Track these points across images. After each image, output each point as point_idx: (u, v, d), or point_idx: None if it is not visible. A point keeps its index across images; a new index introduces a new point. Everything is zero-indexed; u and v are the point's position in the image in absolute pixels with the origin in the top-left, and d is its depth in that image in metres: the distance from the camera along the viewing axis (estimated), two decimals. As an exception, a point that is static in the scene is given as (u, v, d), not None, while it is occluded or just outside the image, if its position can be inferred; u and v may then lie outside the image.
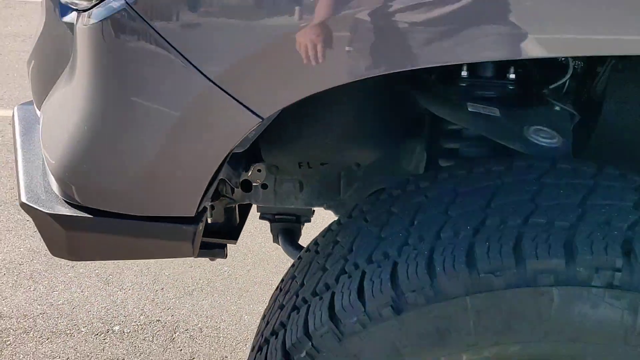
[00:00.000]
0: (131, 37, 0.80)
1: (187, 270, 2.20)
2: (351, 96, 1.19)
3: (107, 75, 0.83)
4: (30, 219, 1.02)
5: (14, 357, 1.82)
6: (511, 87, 1.15)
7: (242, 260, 2.26)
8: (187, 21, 0.79)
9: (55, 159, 0.93)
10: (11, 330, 1.91)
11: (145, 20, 0.76)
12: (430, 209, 0.86)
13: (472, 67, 1.14)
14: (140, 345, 1.87)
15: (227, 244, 1.43)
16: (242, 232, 1.42)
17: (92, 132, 0.86)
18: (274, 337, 0.93)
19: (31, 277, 2.14)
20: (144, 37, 0.77)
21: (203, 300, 2.06)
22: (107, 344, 1.87)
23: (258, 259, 2.27)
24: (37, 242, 2.23)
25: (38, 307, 2.01)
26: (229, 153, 0.82)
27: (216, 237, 1.40)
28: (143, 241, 0.92)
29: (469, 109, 1.09)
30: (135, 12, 0.77)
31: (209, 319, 1.97)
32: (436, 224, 0.82)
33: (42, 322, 1.95)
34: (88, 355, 1.83)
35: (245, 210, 1.46)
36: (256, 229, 2.19)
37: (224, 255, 1.43)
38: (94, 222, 0.92)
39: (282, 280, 1.06)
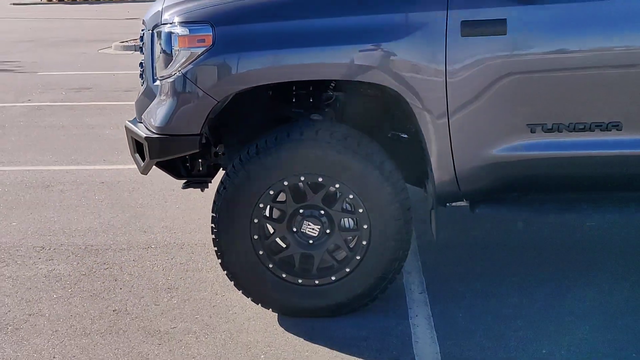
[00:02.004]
0: (183, 82, 2.74)
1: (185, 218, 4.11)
2: (256, 108, 3.19)
3: (175, 94, 2.80)
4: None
5: (107, 263, 3.69)
6: (311, 102, 3.17)
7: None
8: (199, 78, 2.77)
9: (152, 124, 2.84)
10: (109, 250, 3.79)
11: (188, 78, 2.72)
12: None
13: (298, 96, 3.17)
14: (168, 251, 3.74)
15: (209, 181, 3.39)
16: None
17: (167, 114, 2.82)
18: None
19: (104, 231, 4.05)
20: (186, 82, 2.74)
21: (198, 233, 3.96)
22: (149, 254, 3.75)
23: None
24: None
25: (113, 242, 3.91)
26: (209, 112, 2.77)
27: (204, 176, 3.35)
28: (183, 142, 2.85)
29: (293, 110, 3.12)
30: (184, 75, 2.74)
31: (201, 241, 3.87)
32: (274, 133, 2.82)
33: (115, 246, 3.84)
34: (142, 257, 3.70)
35: (217, 165, 3.41)
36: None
37: (208, 187, 3.38)
38: (169, 138, 2.85)
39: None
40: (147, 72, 3.04)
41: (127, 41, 14.03)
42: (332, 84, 3.10)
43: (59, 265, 3.59)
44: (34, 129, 6.82)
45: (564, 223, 3.87)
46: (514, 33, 2.55)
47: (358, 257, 2.88)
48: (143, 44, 3.14)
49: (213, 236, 2.90)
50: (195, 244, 3.82)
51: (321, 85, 3.09)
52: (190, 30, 2.73)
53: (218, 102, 2.74)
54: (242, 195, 2.80)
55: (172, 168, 3.18)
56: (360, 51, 2.65)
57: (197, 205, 4.41)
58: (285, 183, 2.79)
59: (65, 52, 13.61)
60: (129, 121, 3.19)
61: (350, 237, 2.91)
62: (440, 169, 2.74)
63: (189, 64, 2.73)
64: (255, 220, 2.85)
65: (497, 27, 2.55)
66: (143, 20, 3.19)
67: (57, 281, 3.40)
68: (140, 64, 3.21)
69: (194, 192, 4.29)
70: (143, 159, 3.04)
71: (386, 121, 3.20)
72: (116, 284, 3.36)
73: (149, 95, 3.03)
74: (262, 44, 2.69)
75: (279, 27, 2.68)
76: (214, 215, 2.86)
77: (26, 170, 5.34)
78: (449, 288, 3.22)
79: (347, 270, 2.89)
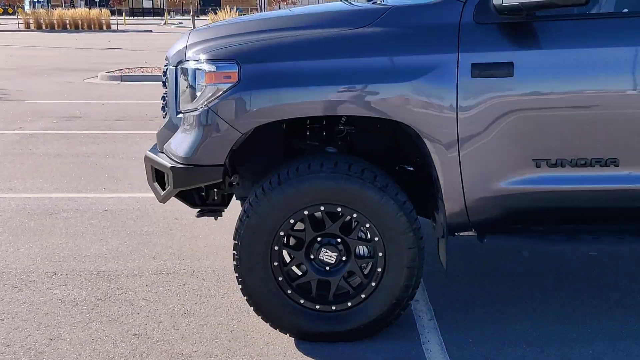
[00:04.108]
0: (209, 116, 2.89)
1: (193, 240, 4.22)
2: (270, 141, 3.35)
3: (201, 127, 2.96)
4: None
5: (121, 288, 3.78)
6: (324, 135, 3.34)
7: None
8: (222, 111, 2.92)
9: (176, 155, 2.98)
10: (121, 276, 3.88)
11: (214, 112, 2.88)
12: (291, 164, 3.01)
13: (312, 129, 3.35)
14: (180, 278, 3.86)
15: (223, 210, 3.52)
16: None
17: (192, 146, 2.97)
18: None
19: (129, 254, 4.13)
20: (212, 116, 2.88)
21: (206, 260, 4.07)
22: (161, 280, 3.85)
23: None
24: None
25: (124, 268, 3.99)
26: (233, 144, 2.92)
27: (218, 205, 3.49)
28: (207, 172, 2.99)
29: (307, 143, 3.29)
30: (210, 109, 2.88)
31: (210, 268, 3.99)
32: (295, 164, 2.97)
33: (127, 272, 3.93)
34: (154, 282, 3.80)
35: (230, 195, 3.55)
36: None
37: (221, 215, 3.51)
38: (194, 168, 2.98)
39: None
40: (170, 105, 3.18)
41: (113, 71, 14.14)
42: (342, 119, 3.28)
43: (73, 290, 3.67)
44: (29, 156, 6.88)
45: (569, 253, 4.07)
46: (521, 75, 2.76)
47: (373, 284, 3.02)
48: (166, 78, 3.28)
49: (234, 262, 3.02)
50: (205, 271, 3.93)
51: (334, 119, 3.27)
52: (217, 67, 2.89)
53: (242, 134, 2.90)
54: (264, 223, 2.94)
55: (188, 197, 3.31)
56: (380, 90, 2.83)
57: (202, 233, 4.52)
58: (306, 212, 2.94)
59: (50, 81, 13.65)
60: (149, 151, 3.32)
61: (365, 265, 3.05)
62: (450, 200, 2.92)
63: (215, 98, 2.88)
64: (276, 248, 2.98)
65: (504, 69, 2.75)
66: (166, 56, 3.35)
67: (73, 306, 3.48)
68: (163, 97, 3.35)
69: (197, 221, 4.45)
70: (163, 187, 3.17)
71: (393, 154, 3.38)
72: (133, 309, 3.45)
73: (170, 127, 3.17)
74: (284, 81, 2.85)
75: (301, 66, 2.86)
76: (236, 242, 2.99)
77: (27, 198, 5.41)
78: (457, 315, 3.37)
79: (363, 296, 3.04)
